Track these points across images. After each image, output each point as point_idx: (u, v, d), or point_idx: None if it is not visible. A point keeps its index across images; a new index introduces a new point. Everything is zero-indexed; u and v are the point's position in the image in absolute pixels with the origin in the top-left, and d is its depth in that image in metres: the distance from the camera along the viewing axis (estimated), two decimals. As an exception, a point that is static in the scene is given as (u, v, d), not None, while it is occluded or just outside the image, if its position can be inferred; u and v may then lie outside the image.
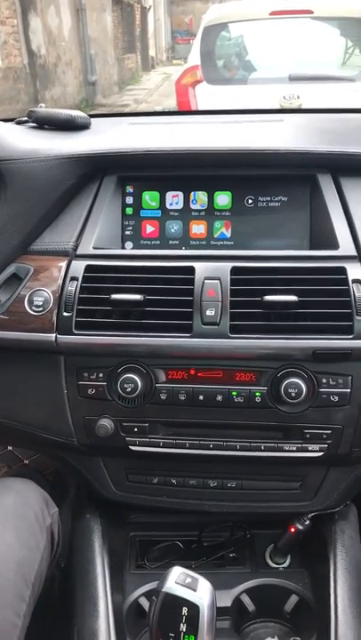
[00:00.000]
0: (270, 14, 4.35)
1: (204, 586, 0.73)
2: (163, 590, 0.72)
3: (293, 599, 1.07)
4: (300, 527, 1.09)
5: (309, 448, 0.99)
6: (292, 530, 1.10)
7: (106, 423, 1.00)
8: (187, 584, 0.73)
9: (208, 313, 0.95)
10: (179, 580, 0.73)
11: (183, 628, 0.71)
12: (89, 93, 10.99)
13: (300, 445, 0.99)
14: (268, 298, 0.94)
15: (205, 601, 0.71)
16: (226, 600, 1.08)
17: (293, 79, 4.48)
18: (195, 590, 0.72)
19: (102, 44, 12.04)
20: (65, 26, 9.95)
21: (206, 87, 4.84)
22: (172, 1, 23.33)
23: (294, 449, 1.00)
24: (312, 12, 4.40)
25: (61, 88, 9.76)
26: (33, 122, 1.18)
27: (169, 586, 0.72)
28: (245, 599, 1.08)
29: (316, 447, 0.99)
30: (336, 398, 0.96)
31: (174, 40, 20.35)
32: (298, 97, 4.22)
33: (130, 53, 14.85)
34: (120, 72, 13.50)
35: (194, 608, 0.71)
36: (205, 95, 4.55)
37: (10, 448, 1.79)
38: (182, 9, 22.52)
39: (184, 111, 4.07)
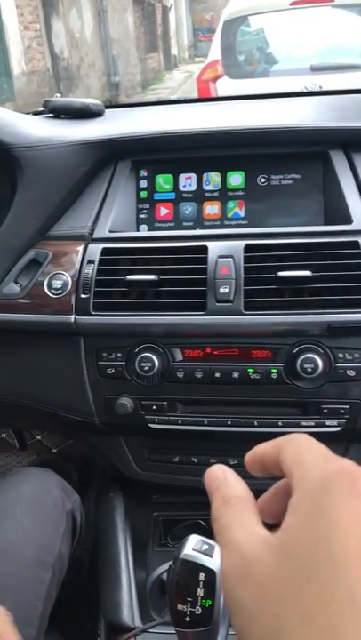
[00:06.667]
0: (290, 4, 4.33)
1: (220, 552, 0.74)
2: (180, 557, 0.73)
3: None
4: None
5: (327, 423, 1.00)
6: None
7: (125, 402, 1.02)
8: (203, 550, 0.73)
9: (222, 290, 0.96)
10: (196, 547, 0.74)
11: (201, 592, 0.72)
12: (112, 94, 11.09)
13: (318, 421, 1.00)
14: (282, 273, 0.94)
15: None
16: None
17: (315, 69, 4.44)
18: (211, 556, 0.73)
19: (124, 44, 12.12)
20: (87, 28, 10.07)
21: (227, 81, 4.83)
22: (192, -2, 23.31)
23: (312, 424, 1.00)
24: (333, 0, 4.36)
25: (85, 90, 9.88)
26: (49, 112, 1.21)
27: (186, 552, 0.73)
28: None
29: (335, 422, 0.99)
30: (353, 373, 0.96)
31: (196, 37, 20.31)
32: (320, 87, 4.17)
33: (152, 53, 14.90)
34: (143, 72, 13.56)
35: (210, 573, 0.72)
36: (227, 89, 4.55)
37: (39, 437, 1.84)
38: (203, 6, 22.46)
39: (198, 98, 4.02)
